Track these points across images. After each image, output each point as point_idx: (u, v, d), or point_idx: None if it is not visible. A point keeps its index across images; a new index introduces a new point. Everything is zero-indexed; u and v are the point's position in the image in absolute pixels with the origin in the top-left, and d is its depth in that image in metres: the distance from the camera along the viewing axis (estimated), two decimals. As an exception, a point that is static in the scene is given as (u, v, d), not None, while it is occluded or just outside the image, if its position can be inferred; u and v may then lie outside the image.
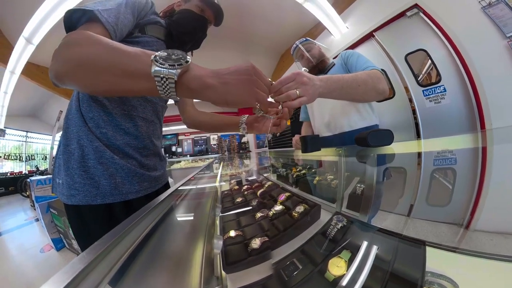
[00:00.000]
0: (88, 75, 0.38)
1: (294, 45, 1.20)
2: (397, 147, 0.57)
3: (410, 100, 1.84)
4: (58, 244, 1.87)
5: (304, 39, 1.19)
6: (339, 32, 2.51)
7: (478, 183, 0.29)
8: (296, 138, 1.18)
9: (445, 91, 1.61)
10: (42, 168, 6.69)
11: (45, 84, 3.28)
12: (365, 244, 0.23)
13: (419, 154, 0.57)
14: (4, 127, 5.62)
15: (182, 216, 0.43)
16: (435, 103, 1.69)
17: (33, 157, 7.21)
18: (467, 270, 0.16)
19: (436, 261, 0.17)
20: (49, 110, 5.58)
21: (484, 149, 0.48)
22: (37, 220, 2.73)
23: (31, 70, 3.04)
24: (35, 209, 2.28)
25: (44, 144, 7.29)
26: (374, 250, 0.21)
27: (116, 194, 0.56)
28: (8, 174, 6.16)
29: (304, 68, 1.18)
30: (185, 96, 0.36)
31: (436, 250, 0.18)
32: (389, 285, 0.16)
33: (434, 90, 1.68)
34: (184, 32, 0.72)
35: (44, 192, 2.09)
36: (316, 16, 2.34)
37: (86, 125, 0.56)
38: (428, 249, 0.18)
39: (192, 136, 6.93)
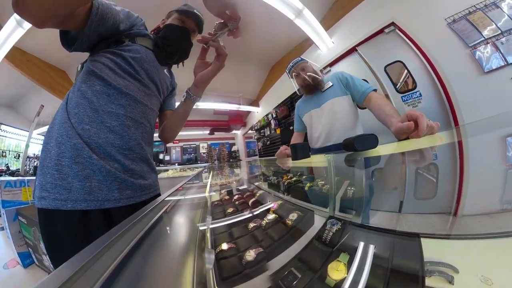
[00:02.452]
0: None
1: (291, 64, 1.33)
2: (382, 149, 0.60)
3: (390, 106, 1.97)
4: (26, 260, 1.56)
5: (300, 58, 1.33)
6: (325, 46, 2.72)
7: (458, 173, 0.30)
8: (281, 149, 1.24)
9: (421, 95, 1.78)
10: (13, 167, 5.54)
11: (29, 74, 3.03)
12: (361, 244, 0.22)
13: (402, 153, 0.59)
14: None
15: (169, 229, 0.40)
16: (413, 106, 1.84)
17: (4, 154, 5.99)
18: (462, 253, 0.16)
19: (432, 250, 0.17)
20: (29, 102, 4.95)
21: (460, 143, 0.51)
22: (2, 229, 2.25)
23: (16, 56, 2.79)
24: (0, 216, 1.88)
25: (19, 140, 6.16)
26: (372, 249, 0.21)
27: (90, 200, 0.49)
28: None
29: (299, 84, 1.33)
30: None
31: (430, 240, 0.18)
32: (392, 281, 0.15)
33: (411, 95, 1.84)
34: (169, 44, 0.75)
35: (13, 196, 1.73)
36: (305, 31, 2.52)
37: (69, 121, 0.52)
38: (423, 240, 0.18)
39: (181, 144, 6.73)
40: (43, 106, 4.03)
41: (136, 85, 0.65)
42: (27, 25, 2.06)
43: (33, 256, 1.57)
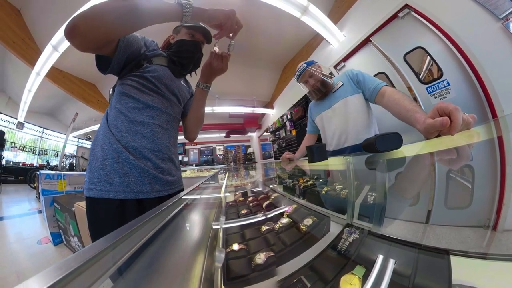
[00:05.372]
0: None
1: (298, 73, 1.30)
2: (407, 150, 0.55)
3: (415, 99, 1.80)
4: (56, 239, 1.86)
5: (305, 65, 1.28)
6: (337, 41, 2.60)
7: (499, 176, 0.26)
8: (284, 154, 1.34)
9: (449, 85, 1.57)
10: (52, 163, 7.21)
11: (66, 88, 3.75)
12: (380, 258, 0.20)
13: (432, 154, 0.54)
14: (24, 121, 6.11)
15: (184, 226, 0.41)
16: (440, 98, 1.65)
17: (45, 152, 7.75)
18: (501, 277, 0.13)
19: (463, 271, 0.14)
20: (66, 111, 6.11)
21: (500, 139, 0.44)
22: (40, 212, 2.73)
23: (54, 74, 3.46)
24: (39, 201, 2.35)
25: (58, 142, 7.91)
26: (391, 264, 0.19)
27: (128, 192, 0.62)
28: (20, 164, 6.63)
29: (309, 90, 1.30)
30: (196, 15, 0.60)
31: (462, 258, 0.15)
32: (411, 306, 0.14)
33: (438, 85, 1.64)
34: (185, 57, 0.84)
35: (51, 186, 2.13)
36: (314, 28, 2.45)
37: (110, 131, 0.66)
38: (452, 258, 0.16)
39: (199, 146, 7.06)
40: (78, 113, 4.80)
41: (159, 98, 0.77)
42: (62, 49, 2.48)
43: (63, 237, 1.85)
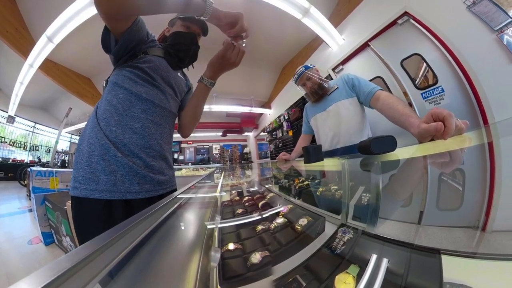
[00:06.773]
0: None
1: (296, 75, 1.35)
2: (401, 153, 0.56)
3: (410, 104, 1.85)
4: (48, 239, 1.78)
5: (304, 68, 1.33)
6: (336, 44, 2.63)
7: (489, 180, 0.27)
8: (280, 155, 1.37)
9: (443, 91, 1.63)
10: (44, 160, 6.89)
11: (59, 81, 3.61)
12: (374, 257, 0.20)
13: (424, 157, 0.55)
14: (15, 115, 5.84)
15: (179, 225, 0.41)
16: (435, 104, 1.70)
17: (37, 148, 7.39)
18: (489, 276, 0.14)
19: (454, 270, 0.15)
20: (59, 105, 5.87)
21: (490, 144, 0.46)
22: (30, 210, 2.62)
23: (48, 66, 3.33)
24: (30, 199, 2.20)
25: (50, 137, 7.52)
26: (385, 263, 0.19)
27: (114, 191, 0.57)
28: (10, 161, 6.28)
29: (306, 92, 1.35)
30: (214, 12, 0.62)
31: (452, 258, 0.16)
32: (404, 302, 0.14)
33: (432, 92, 1.69)
34: (180, 50, 0.81)
35: (42, 184, 2.03)
36: (314, 30, 2.48)
37: (98, 125, 0.62)
38: (443, 257, 0.16)
39: (195, 145, 7.01)
40: (71, 108, 4.66)
41: (154, 90, 0.73)
42: (57, 40, 2.38)
43: (54, 237, 1.77)
